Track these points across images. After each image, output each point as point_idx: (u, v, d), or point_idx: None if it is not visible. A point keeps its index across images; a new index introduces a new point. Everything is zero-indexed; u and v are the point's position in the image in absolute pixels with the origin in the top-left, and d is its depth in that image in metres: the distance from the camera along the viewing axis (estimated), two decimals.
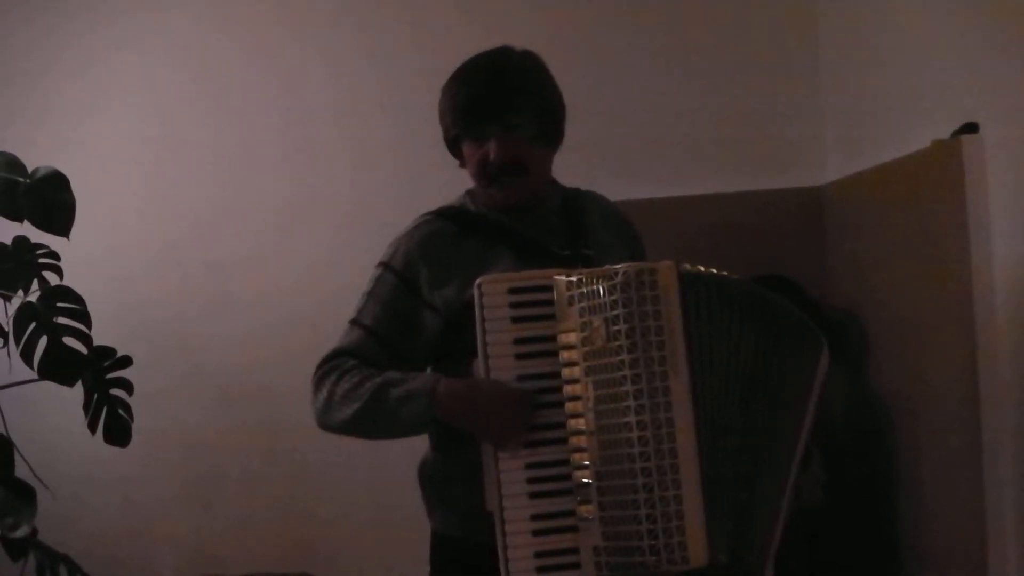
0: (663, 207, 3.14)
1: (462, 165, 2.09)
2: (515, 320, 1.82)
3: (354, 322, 2.05)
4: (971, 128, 2.31)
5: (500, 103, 1.98)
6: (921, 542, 2.65)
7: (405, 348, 2.02)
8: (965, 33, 2.38)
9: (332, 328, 2.11)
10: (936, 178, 2.42)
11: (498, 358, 1.82)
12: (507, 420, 1.81)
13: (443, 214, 2.10)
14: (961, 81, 2.39)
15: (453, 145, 2.08)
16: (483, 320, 1.82)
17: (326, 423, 2.00)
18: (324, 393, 1.98)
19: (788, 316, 1.93)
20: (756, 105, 3.28)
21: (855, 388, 2.97)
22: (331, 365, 2.00)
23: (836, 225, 3.15)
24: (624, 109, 3.32)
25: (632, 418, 1.74)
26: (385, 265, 2.06)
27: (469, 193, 2.15)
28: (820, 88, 3.29)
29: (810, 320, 1.96)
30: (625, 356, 1.74)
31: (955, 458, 2.39)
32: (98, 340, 2.92)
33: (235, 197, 3.46)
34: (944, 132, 2.38)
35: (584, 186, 2.28)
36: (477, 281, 1.83)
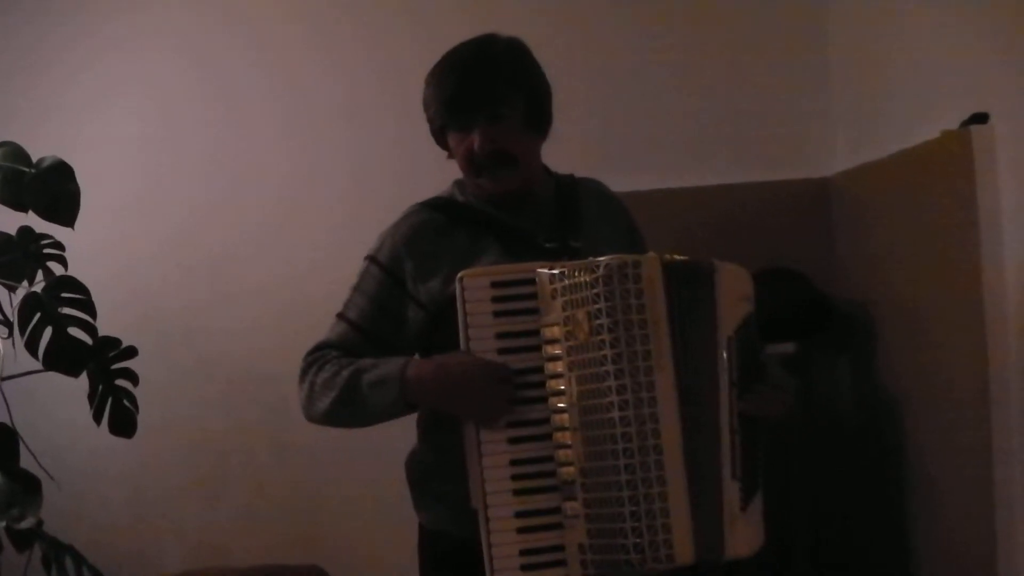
0: (670, 198, 3.13)
1: (450, 156, 2.06)
2: (497, 314, 1.80)
3: (340, 316, 2.05)
4: (981, 118, 2.30)
5: (484, 93, 1.94)
6: (930, 537, 2.63)
7: (390, 342, 2.01)
8: (975, 22, 2.35)
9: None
10: (946, 168, 2.40)
11: (480, 353, 1.80)
12: (484, 393, 1.78)
13: (431, 205, 2.08)
14: (971, 71, 2.36)
15: (439, 136, 2.05)
16: (465, 315, 1.80)
17: (310, 415, 2.01)
18: (306, 385, 1.99)
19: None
20: (764, 95, 3.25)
21: (863, 379, 2.93)
22: (314, 357, 2.01)
23: (844, 216, 3.11)
24: (631, 99, 3.30)
25: (616, 414, 1.70)
26: (372, 258, 2.06)
27: (458, 183, 2.12)
28: (829, 78, 3.26)
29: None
30: (608, 351, 1.71)
31: (964, 452, 2.38)
32: (101, 331, 2.91)
33: (238, 188, 3.46)
34: (953, 122, 2.36)
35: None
36: (459, 275, 1.81)
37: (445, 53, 2.03)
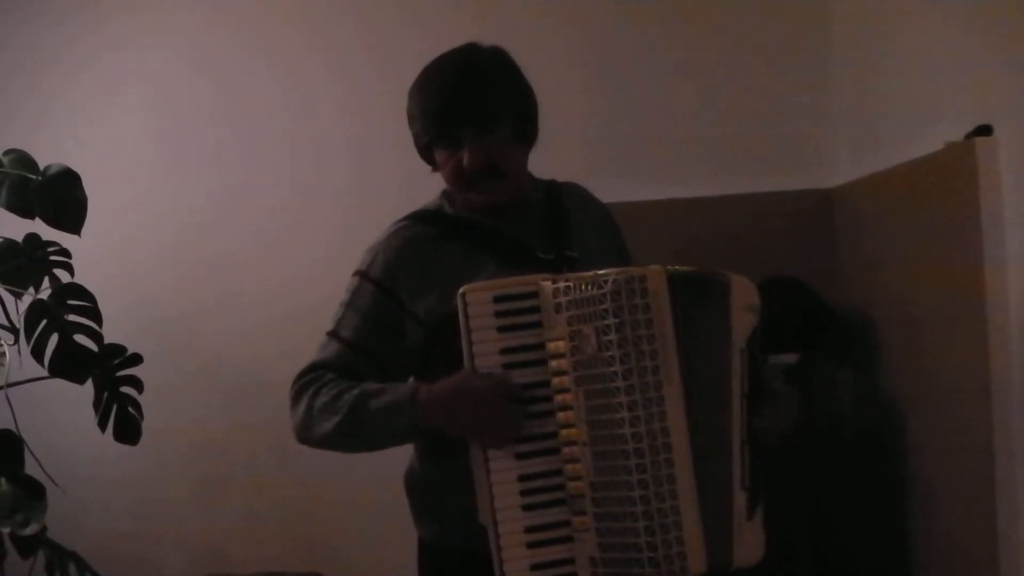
0: (673, 209, 3.13)
1: (435, 170, 2.00)
2: (501, 329, 1.77)
3: (332, 334, 1.98)
4: (985, 130, 2.28)
5: (472, 107, 1.89)
6: (933, 541, 2.63)
7: (387, 359, 1.96)
8: (979, 34, 2.34)
9: None
10: (949, 180, 2.39)
11: (485, 368, 1.77)
12: (495, 416, 1.75)
13: (420, 218, 2.03)
14: (974, 83, 2.35)
15: (425, 151, 2.00)
16: (468, 331, 1.77)
17: (306, 438, 1.95)
18: (302, 407, 1.93)
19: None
20: (767, 106, 3.26)
21: (866, 389, 2.94)
22: (309, 379, 1.94)
23: (847, 227, 3.12)
24: (634, 109, 3.30)
25: (627, 429, 1.69)
26: (362, 275, 1.99)
27: (445, 194, 2.07)
28: (832, 89, 3.26)
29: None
30: (618, 366, 1.69)
31: (966, 458, 2.37)
32: (105, 337, 2.91)
33: (241, 193, 3.46)
34: (957, 134, 2.34)
35: (593, 188, 2.23)
36: (461, 290, 1.77)
37: (427, 65, 1.97)
